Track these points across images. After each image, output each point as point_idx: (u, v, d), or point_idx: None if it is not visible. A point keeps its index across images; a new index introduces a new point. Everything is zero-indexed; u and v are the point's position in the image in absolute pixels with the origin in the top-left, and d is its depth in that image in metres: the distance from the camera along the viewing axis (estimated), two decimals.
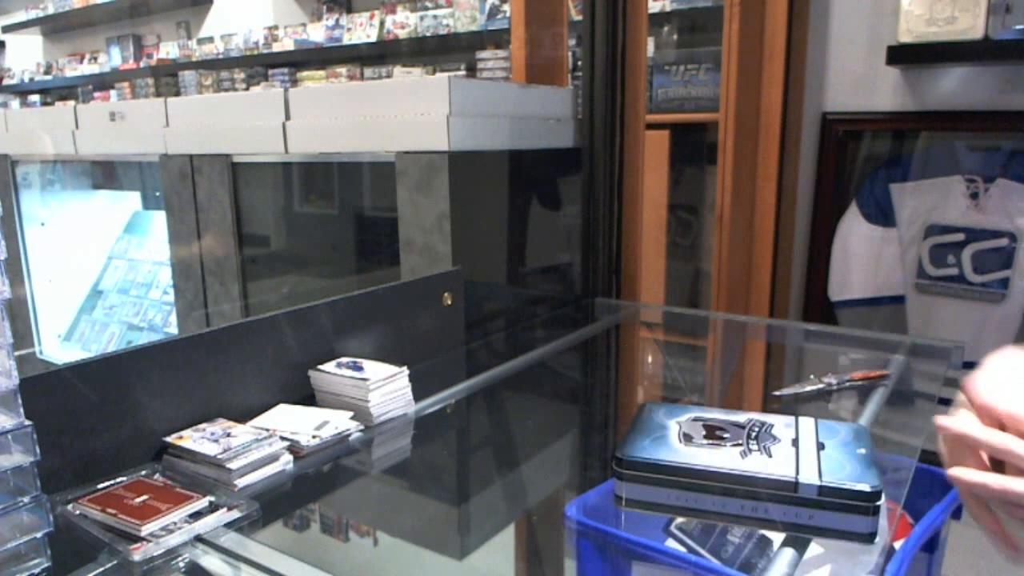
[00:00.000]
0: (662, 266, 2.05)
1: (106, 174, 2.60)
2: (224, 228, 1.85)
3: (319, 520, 0.91)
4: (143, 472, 0.88)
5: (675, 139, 2.04)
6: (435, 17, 3.64)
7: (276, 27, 4.39)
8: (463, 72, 3.62)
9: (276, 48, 4.34)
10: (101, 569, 0.71)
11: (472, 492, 0.99)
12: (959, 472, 0.63)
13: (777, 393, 1.17)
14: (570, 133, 1.73)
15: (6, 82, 6.38)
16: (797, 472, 0.70)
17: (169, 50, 5.05)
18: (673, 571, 0.69)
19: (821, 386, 1.18)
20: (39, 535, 0.69)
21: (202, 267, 1.94)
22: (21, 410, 0.68)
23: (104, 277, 2.78)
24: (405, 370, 1.09)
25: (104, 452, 0.87)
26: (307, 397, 1.10)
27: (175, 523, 0.76)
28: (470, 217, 1.43)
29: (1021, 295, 1.68)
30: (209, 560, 0.73)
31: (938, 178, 1.78)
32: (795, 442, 0.76)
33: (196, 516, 0.77)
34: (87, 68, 5.72)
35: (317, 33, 4.15)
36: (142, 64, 5.24)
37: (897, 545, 0.96)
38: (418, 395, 1.11)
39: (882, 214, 1.85)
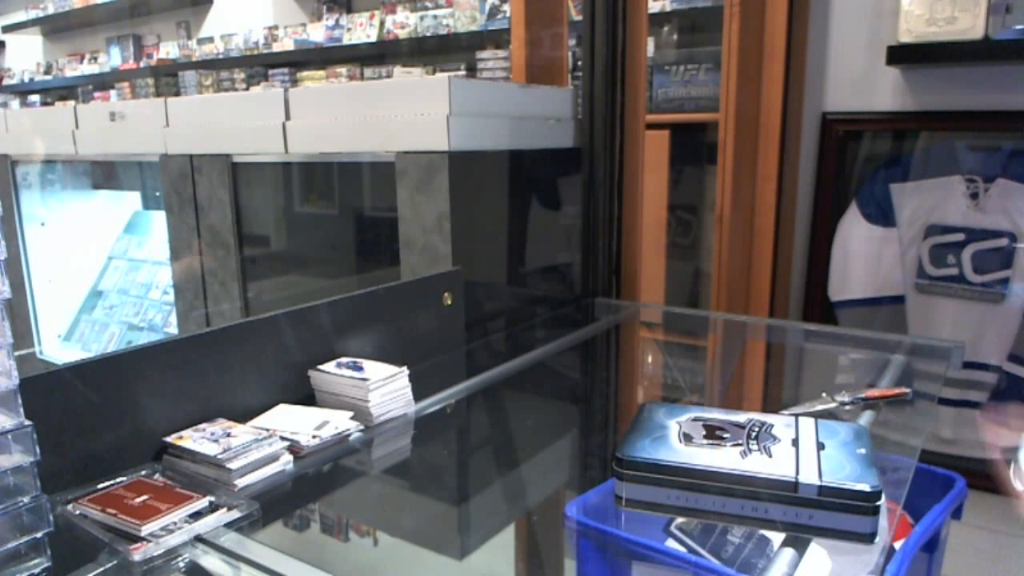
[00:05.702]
0: (662, 266, 2.05)
1: (106, 174, 2.60)
2: (224, 228, 1.85)
3: (319, 520, 0.91)
4: (143, 472, 0.88)
5: (675, 139, 2.04)
6: (435, 17, 3.64)
7: (276, 27, 4.39)
8: (463, 72, 3.62)
9: (276, 48, 4.34)
10: (101, 569, 0.71)
11: (472, 492, 0.99)
12: None
13: (786, 413, 1.08)
14: (570, 133, 1.73)
15: (6, 82, 6.38)
16: (797, 472, 0.70)
17: (169, 50, 5.05)
18: (673, 571, 0.69)
19: (833, 405, 1.08)
20: (39, 535, 0.69)
21: (202, 267, 1.94)
22: (21, 410, 0.68)
23: (104, 277, 2.78)
24: (405, 370, 1.09)
25: (104, 452, 0.87)
26: (307, 397, 1.10)
27: (175, 523, 0.76)
28: (470, 217, 1.43)
29: (1021, 295, 1.68)
30: (209, 560, 0.73)
31: (938, 178, 1.78)
32: (795, 442, 0.76)
33: (196, 516, 0.77)
34: (87, 68, 5.72)
35: (317, 33, 4.15)
36: (142, 64, 5.24)
37: (897, 545, 0.96)
38: (418, 395, 1.11)
39: (882, 214, 1.85)
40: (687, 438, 0.77)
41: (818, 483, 0.68)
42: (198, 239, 1.92)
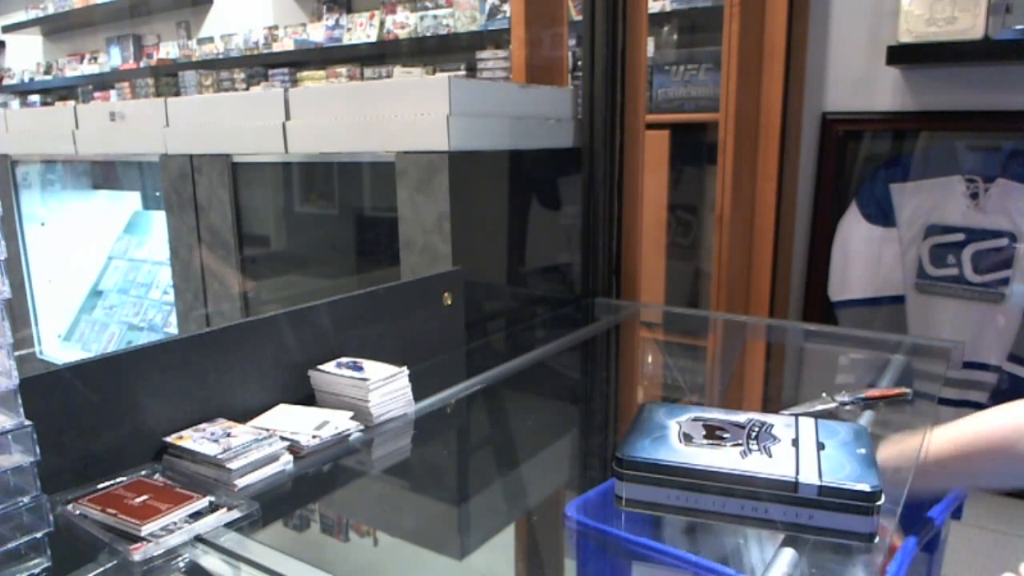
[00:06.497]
0: (662, 266, 2.05)
1: (106, 174, 2.60)
2: (224, 228, 1.85)
3: (319, 520, 0.91)
4: (143, 472, 0.88)
5: (675, 139, 2.04)
6: (435, 17, 3.64)
7: (276, 27, 4.39)
8: (463, 72, 3.62)
9: (276, 48, 4.34)
10: (101, 569, 0.71)
11: (472, 492, 0.99)
12: None
13: (786, 413, 1.07)
14: (570, 133, 1.73)
15: (6, 82, 6.38)
16: (797, 472, 0.70)
17: (169, 50, 5.05)
18: (673, 571, 0.69)
19: (833, 405, 1.07)
20: (39, 535, 0.69)
21: (202, 267, 1.94)
22: (21, 410, 0.68)
23: (104, 277, 2.78)
24: (405, 370, 1.09)
25: (104, 452, 0.87)
26: (307, 397, 1.10)
27: (175, 523, 0.76)
28: (470, 217, 1.43)
29: (1021, 295, 1.68)
30: (209, 560, 0.73)
31: (938, 178, 1.78)
32: (795, 442, 0.76)
33: (196, 516, 0.77)
34: (87, 68, 5.72)
35: (317, 33, 4.15)
36: (142, 64, 5.24)
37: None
38: (418, 395, 1.11)
39: (882, 214, 1.85)
40: (687, 438, 0.77)
41: (818, 483, 0.68)
42: (198, 239, 1.92)
